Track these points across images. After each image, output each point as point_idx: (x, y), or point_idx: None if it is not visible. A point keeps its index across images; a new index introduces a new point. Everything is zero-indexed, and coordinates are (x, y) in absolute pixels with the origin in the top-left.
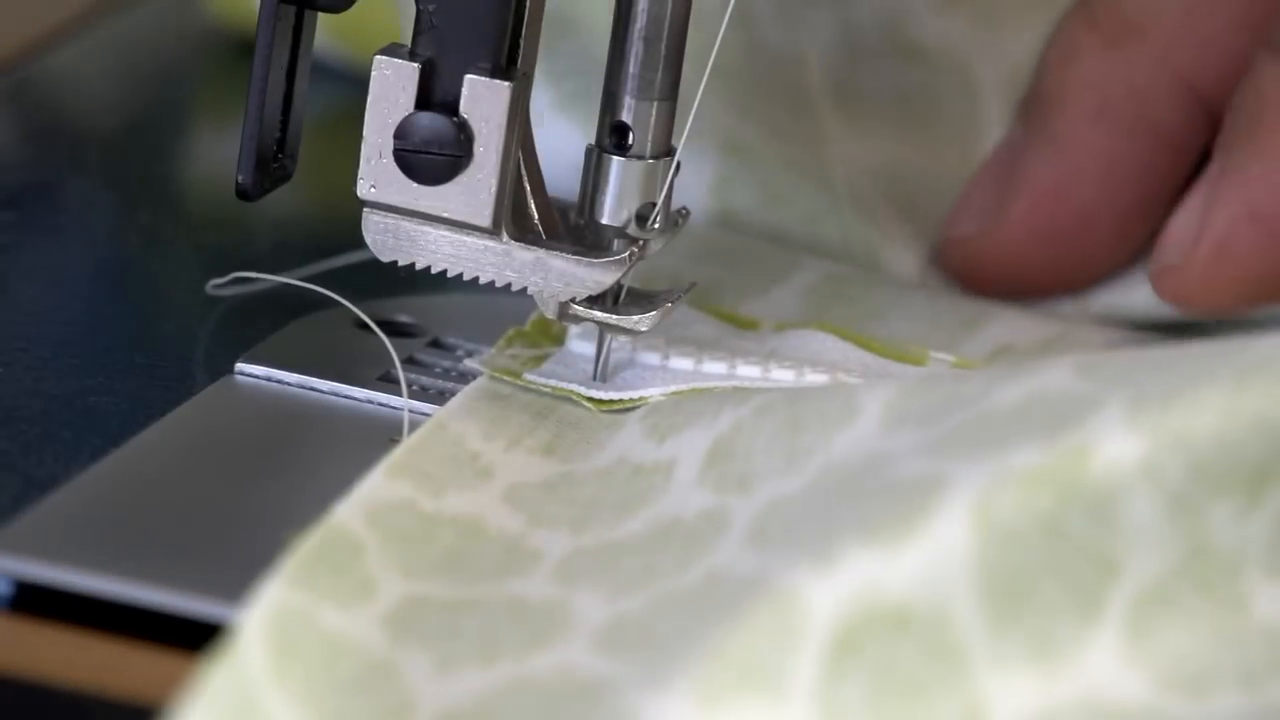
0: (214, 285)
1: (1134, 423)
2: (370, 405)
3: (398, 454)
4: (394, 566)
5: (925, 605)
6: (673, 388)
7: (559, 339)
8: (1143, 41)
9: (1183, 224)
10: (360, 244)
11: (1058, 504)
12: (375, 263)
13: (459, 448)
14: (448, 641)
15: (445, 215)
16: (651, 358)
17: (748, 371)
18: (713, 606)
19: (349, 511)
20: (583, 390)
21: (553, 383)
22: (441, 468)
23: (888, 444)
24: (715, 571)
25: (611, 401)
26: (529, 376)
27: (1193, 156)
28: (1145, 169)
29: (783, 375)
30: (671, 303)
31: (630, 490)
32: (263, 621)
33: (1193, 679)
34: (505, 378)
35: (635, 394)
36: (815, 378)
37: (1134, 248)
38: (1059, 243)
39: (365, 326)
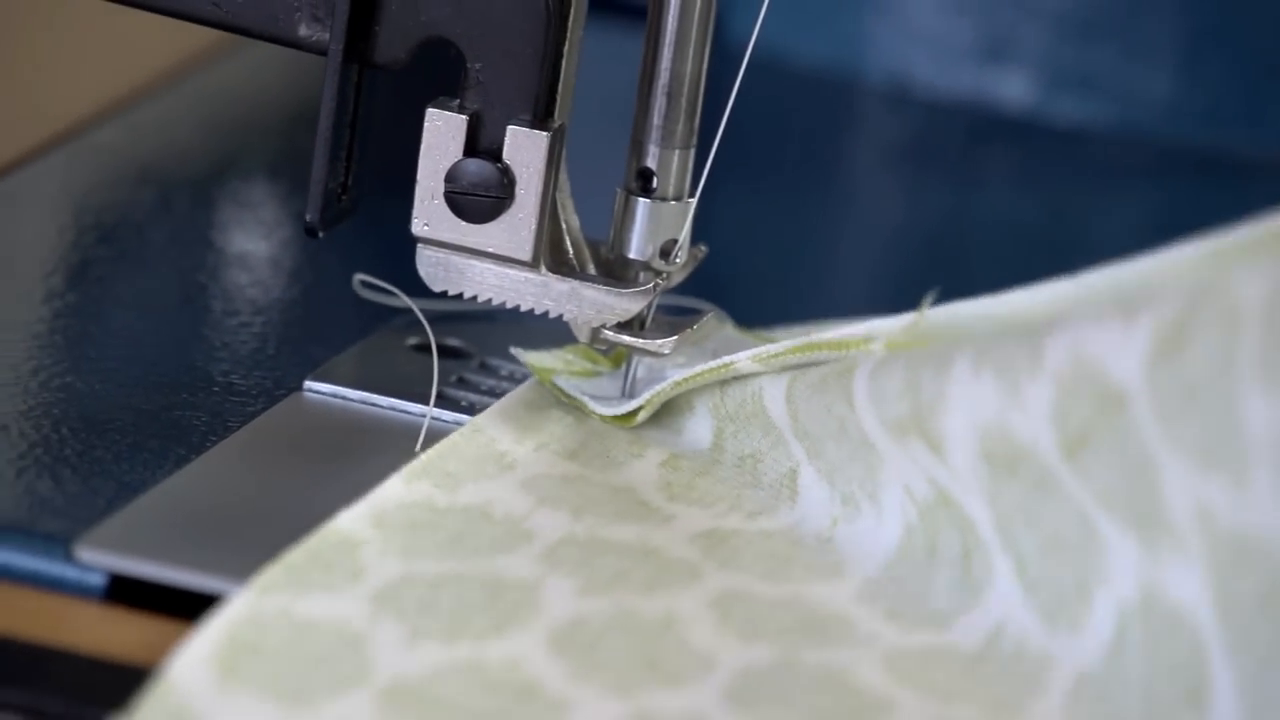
0: (359, 280)
1: None
2: (423, 420)
3: (424, 458)
4: (394, 553)
5: None
6: (664, 385)
7: (607, 364)
8: None
9: None
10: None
11: None
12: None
13: (489, 449)
14: (422, 616)
15: (490, 250)
16: (676, 374)
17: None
18: (652, 656)
19: (352, 515)
20: (590, 404)
21: (571, 392)
22: (466, 466)
23: (854, 609)
24: (672, 616)
25: (617, 418)
26: (556, 381)
27: None
28: None
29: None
30: (692, 330)
31: (632, 510)
32: (216, 635)
33: None
34: (539, 372)
35: (633, 405)
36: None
37: None
38: None
39: (418, 349)
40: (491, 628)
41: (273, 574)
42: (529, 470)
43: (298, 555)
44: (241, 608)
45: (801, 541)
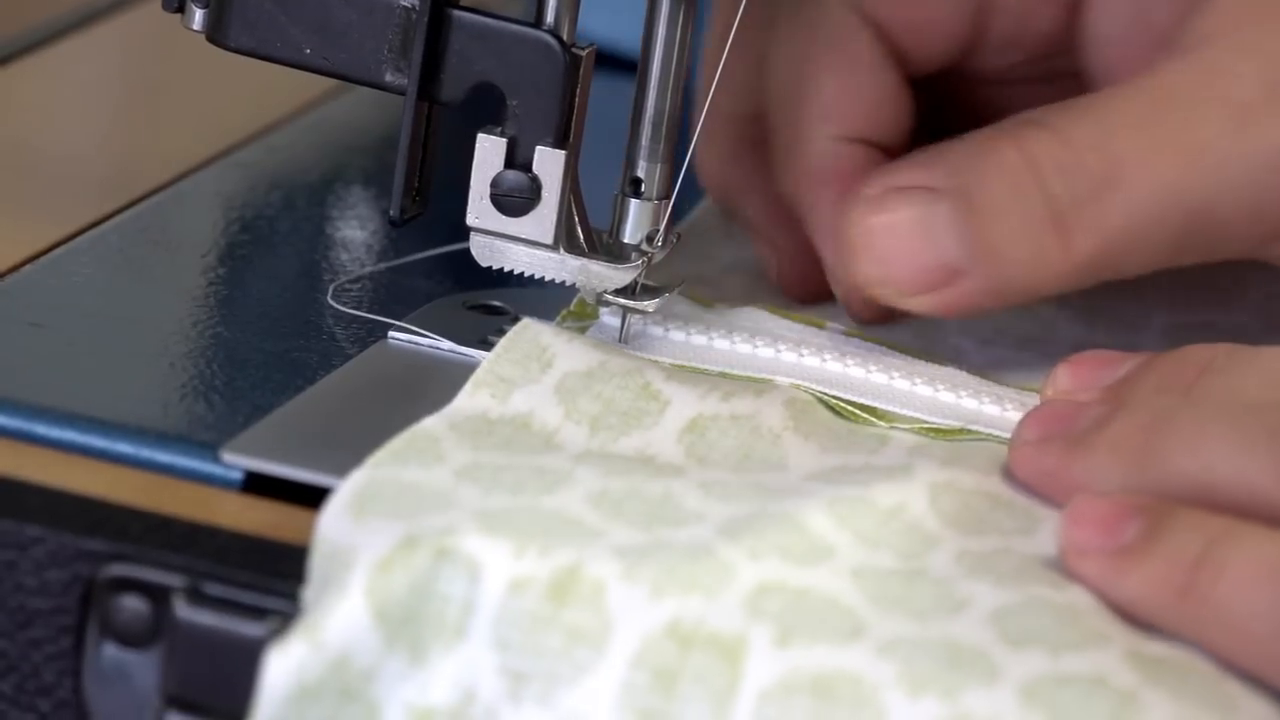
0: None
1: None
2: (476, 359)
3: (485, 363)
4: (466, 446)
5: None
6: (672, 360)
7: (595, 315)
8: None
9: None
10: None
11: None
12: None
13: (534, 345)
14: (490, 483)
15: (523, 236)
16: (657, 330)
17: (721, 344)
18: (659, 513)
19: (433, 420)
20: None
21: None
22: (515, 369)
23: (802, 485)
24: (669, 493)
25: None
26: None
27: None
28: None
29: (743, 347)
30: (668, 294)
31: (634, 407)
32: (346, 495)
33: None
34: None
35: (646, 356)
36: (765, 350)
37: None
38: None
39: (471, 309)
40: (543, 490)
41: (381, 455)
42: (563, 367)
43: (398, 443)
44: (361, 478)
45: (759, 432)
